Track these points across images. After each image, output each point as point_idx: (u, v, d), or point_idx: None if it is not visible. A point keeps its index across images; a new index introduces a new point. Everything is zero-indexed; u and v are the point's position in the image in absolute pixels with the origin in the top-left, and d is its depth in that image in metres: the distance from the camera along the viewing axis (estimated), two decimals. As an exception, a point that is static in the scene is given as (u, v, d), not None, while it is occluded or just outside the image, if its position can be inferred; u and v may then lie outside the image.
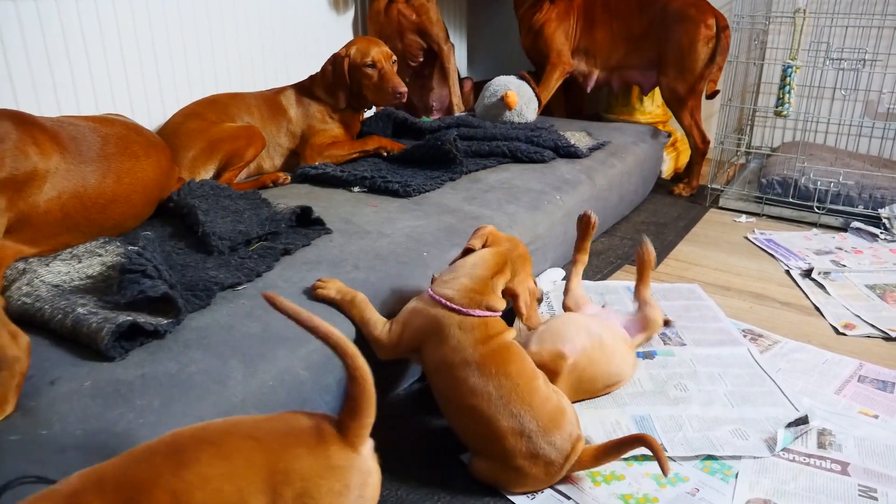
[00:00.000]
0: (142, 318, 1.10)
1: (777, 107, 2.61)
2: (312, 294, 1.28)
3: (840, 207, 2.40)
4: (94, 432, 0.91)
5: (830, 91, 2.75)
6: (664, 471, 1.08)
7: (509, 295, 1.28)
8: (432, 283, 1.28)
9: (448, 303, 1.19)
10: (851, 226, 2.34)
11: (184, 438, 0.81)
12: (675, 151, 3.03)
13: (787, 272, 2.05)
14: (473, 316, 1.19)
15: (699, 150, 2.68)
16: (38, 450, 0.88)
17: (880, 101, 2.82)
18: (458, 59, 3.13)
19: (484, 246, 1.32)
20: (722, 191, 2.66)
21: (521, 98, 2.48)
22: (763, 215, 2.53)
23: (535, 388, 1.16)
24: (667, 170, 2.95)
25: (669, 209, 2.59)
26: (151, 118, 2.00)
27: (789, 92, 2.55)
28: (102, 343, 1.05)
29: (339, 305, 1.27)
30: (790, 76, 2.54)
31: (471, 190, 1.92)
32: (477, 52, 3.39)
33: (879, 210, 2.32)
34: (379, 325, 1.25)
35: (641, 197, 2.59)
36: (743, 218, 2.51)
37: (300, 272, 1.36)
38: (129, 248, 1.33)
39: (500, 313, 1.24)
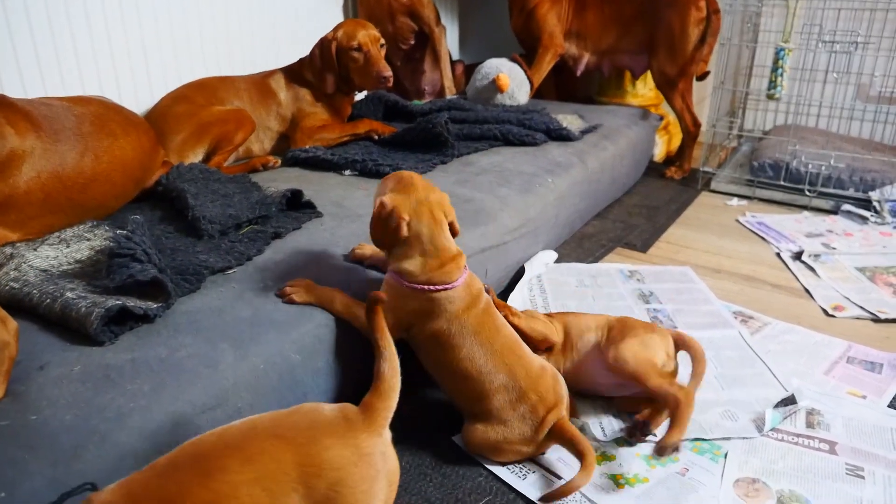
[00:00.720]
0: (131, 303, 1.09)
1: (769, 90, 2.61)
2: (284, 301, 1.21)
3: (831, 190, 2.41)
4: (84, 417, 0.91)
5: (823, 74, 2.75)
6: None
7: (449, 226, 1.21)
8: (389, 259, 1.21)
9: (429, 287, 1.17)
10: (842, 209, 2.35)
11: (205, 447, 0.80)
12: (668, 135, 3.02)
13: (778, 255, 2.06)
14: (456, 286, 1.18)
15: (690, 133, 2.67)
16: (28, 435, 0.88)
17: (872, 84, 2.82)
18: (450, 41, 3.11)
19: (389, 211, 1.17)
20: (714, 174, 2.66)
21: (512, 81, 2.47)
22: (754, 198, 2.53)
23: (521, 343, 1.23)
24: (659, 153, 2.95)
25: (661, 192, 2.59)
26: (139, 102, 1.98)
27: (782, 75, 2.55)
28: (92, 327, 1.04)
29: (320, 306, 1.22)
30: (783, 59, 2.53)
31: (462, 173, 1.91)
32: (469, 35, 3.36)
33: (870, 193, 2.33)
34: None
35: (633, 180, 2.59)
36: (734, 201, 2.51)
37: (291, 255, 1.36)
38: (118, 231, 1.32)
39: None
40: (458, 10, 3.26)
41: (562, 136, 2.23)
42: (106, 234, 1.39)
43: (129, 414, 0.93)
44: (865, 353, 1.54)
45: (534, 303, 1.73)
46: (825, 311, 1.74)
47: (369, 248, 1.39)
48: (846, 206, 2.35)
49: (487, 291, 1.28)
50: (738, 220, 2.33)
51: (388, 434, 0.88)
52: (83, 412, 0.92)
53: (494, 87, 2.46)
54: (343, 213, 1.59)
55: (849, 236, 2.19)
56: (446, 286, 1.17)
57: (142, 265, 1.14)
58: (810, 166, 2.40)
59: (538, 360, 1.23)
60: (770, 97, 2.62)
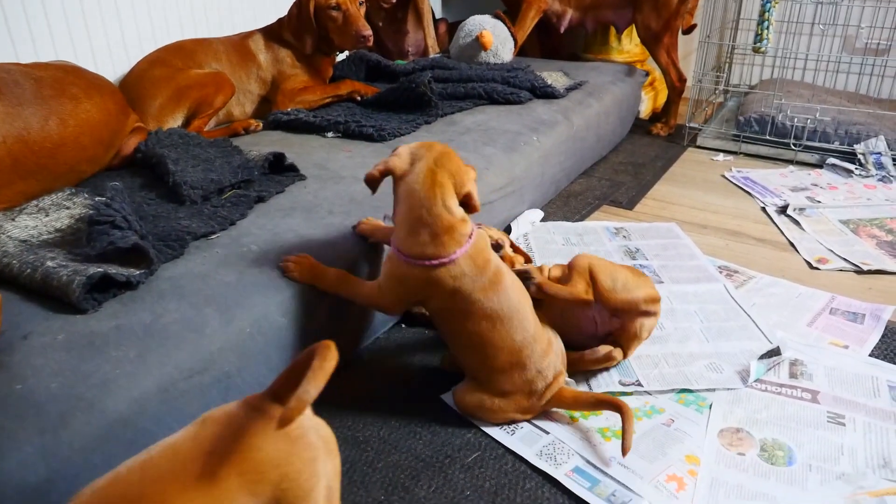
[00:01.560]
0: (113, 270, 1.08)
1: (755, 43, 2.58)
2: (284, 275, 1.18)
3: (816, 144, 2.41)
4: (70, 385, 0.91)
5: (809, 27, 2.73)
6: (625, 449, 1.08)
7: (463, 200, 1.14)
8: (394, 238, 1.16)
9: (433, 262, 1.10)
10: (827, 162, 2.36)
11: (139, 487, 0.69)
12: (653, 91, 3.00)
13: (763, 209, 2.07)
14: (454, 259, 1.12)
15: (676, 88, 2.65)
16: (14, 404, 0.88)
17: (858, 36, 2.80)
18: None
19: (401, 175, 1.13)
20: (700, 130, 2.65)
21: (496, 38, 2.43)
22: (740, 153, 2.53)
23: (530, 316, 1.18)
24: (645, 109, 2.93)
25: (647, 149, 2.58)
26: (115, 67, 1.94)
27: (768, 28, 2.52)
28: (74, 296, 1.03)
29: (320, 287, 1.20)
30: (769, 11, 2.50)
31: (446, 133, 1.89)
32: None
33: (855, 146, 2.33)
34: (374, 292, 1.19)
35: (619, 137, 2.58)
36: (720, 156, 2.51)
37: (274, 219, 1.35)
38: (97, 199, 1.30)
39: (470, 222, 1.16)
40: (439, -33, 3.19)
41: (547, 93, 2.21)
42: (85, 201, 1.37)
43: (115, 380, 0.92)
44: (848, 304, 1.56)
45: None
46: (809, 264, 1.75)
47: (373, 223, 1.36)
48: (831, 160, 2.35)
49: (513, 257, 1.26)
50: (723, 176, 2.32)
51: (309, 409, 0.79)
52: (69, 380, 0.91)
53: (478, 44, 2.42)
54: (326, 176, 1.57)
55: (833, 189, 2.20)
56: (441, 260, 1.11)
57: (122, 232, 1.13)
58: (796, 120, 2.39)
59: (546, 335, 1.20)
60: (756, 51, 2.60)
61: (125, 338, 0.99)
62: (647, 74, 2.79)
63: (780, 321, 1.50)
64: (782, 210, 2.03)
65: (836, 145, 2.38)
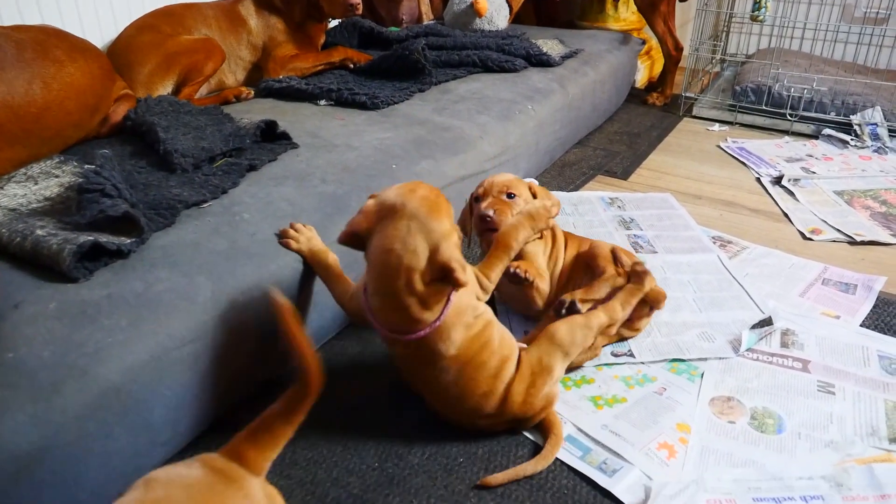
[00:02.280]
0: (104, 238, 1.07)
1: (753, 11, 2.55)
2: (280, 241, 1.18)
3: (812, 115, 2.39)
4: (62, 353, 0.90)
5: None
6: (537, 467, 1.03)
7: (439, 273, 0.95)
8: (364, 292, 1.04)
9: (405, 336, 0.99)
10: (823, 133, 2.35)
11: None
12: (650, 60, 2.97)
13: (758, 179, 2.07)
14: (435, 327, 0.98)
15: (672, 57, 2.63)
16: (6, 373, 0.87)
17: (857, 5, 2.77)
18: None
19: (366, 231, 0.99)
20: (696, 99, 2.63)
21: (491, 5, 2.39)
22: (736, 123, 2.52)
23: (510, 366, 1.08)
24: (641, 79, 2.90)
25: (643, 119, 2.56)
26: (103, 33, 1.90)
27: (765, -4, 2.49)
28: (65, 264, 1.02)
29: (308, 261, 1.18)
30: (766, -23, 2.47)
31: (440, 101, 1.87)
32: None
33: (851, 117, 2.32)
34: (346, 296, 1.15)
35: (615, 106, 2.56)
36: (716, 126, 2.50)
37: (266, 188, 1.33)
38: (87, 167, 1.29)
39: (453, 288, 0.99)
40: (434, -69, 3.12)
41: (542, 61, 2.18)
42: (74, 169, 1.35)
43: (107, 349, 0.92)
44: (840, 274, 1.57)
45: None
46: (803, 235, 1.76)
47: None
48: (827, 131, 2.34)
49: (525, 278, 1.19)
50: (719, 146, 2.32)
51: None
52: (61, 348, 0.91)
53: (473, 11, 2.38)
54: (319, 144, 1.56)
55: (828, 160, 2.20)
56: (415, 335, 0.98)
57: (112, 200, 1.11)
58: (792, 90, 2.38)
59: (522, 386, 1.07)
60: (754, 19, 2.57)
61: (117, 306, 0.98)
62: (644, 43, 2.76)
63: (773, 291, 1.51)
64: (777, 181, 2.03)
65: (832, 116, 2.37)
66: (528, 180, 1.36)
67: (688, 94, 2.62)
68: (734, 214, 1.86)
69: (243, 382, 1.11)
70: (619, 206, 1.90)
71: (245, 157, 1.46)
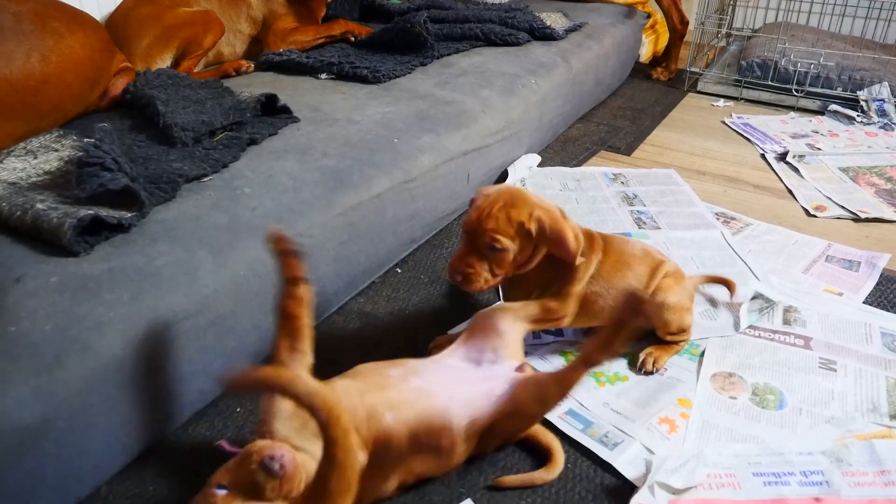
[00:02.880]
0: (104, 212, 1.06)
1: (760, -16, 2.51)
2: None
3: (818, 90, 2.37)
4: (64, 327, 0.90)
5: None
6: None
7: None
8: None
9: None
10: (829, 109, 2.32)
11: None
12: (654, 34, 2.93)
13: (763, 156, 2.05)
14: None
15: (677, 31, 2.59)
16: (8, 347, 0.87)
17: (866, -23, 2.73)
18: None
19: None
20: (701, 74, 2.60)
21: (495, -24, 2.36)
22: (741, 99, 2.49)
23: None
24: (645, 53, 2.86)
25: (647, 94, 2.54)
26: (101, 4, 1.87)
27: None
28: (65, 238, 1.01)
29: None
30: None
31: (442, 75, 1.85)
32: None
33: (858, 92, 2.30)
34: None
35: (619, 81, 2.53)
36: (721, 102, 2.47)
37: (267, 161, 1.32)
38: (86, 140, 1.27)
39: None
40: None
41: (545, 35, 2.15)
42: (74, 143, 1.34)
43: (109, 322, 0.92)
44: (844, 251, 1.56)
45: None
46: (807, 212, 1.75)
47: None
48: (833, 107, 2.32)
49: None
50: (723, 122, 2.29)
51: None
52: (63, 322, 0.91)
53: (476, -17, 2.35)
54: (320, 118, 1.54)
55: (834, 137, 2.18)
56: None
57: (112, 174, 1.10)
58: (799, 65, 2.35)
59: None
60: (760, -9, 2.53)
61: (118, 280, 0.98)
62: (649, 16, 2.72)
63: (776, 268, 1.50)
64: (781, 157, 2.01)
65: (838, 91, 2.34)
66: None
67: (692, 69, 2.59)
68: (738, 191, 1.85)
69: (245, 357, 1.11)
70: (622, 182, 1.89)
71: (245, 131, 1.44)
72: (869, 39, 2.74)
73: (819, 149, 2.08)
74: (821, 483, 0.97)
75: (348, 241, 1.29)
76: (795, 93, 2.38)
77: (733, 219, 1.70)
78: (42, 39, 1.38)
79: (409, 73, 1.85)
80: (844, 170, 1.95)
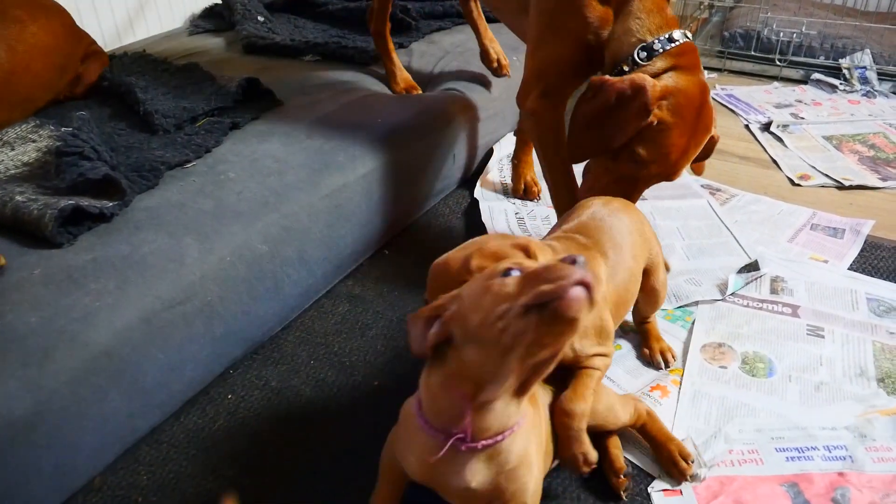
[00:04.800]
0: (85, 202, 1.05)
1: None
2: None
3: (801, 59, 2.37)
4: (50, 318, 0.89)
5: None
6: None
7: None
8: None
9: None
10: (812, 78, 2.33)
11: None
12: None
13: (747, 126, 2.05)
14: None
15: (661, 4, 2.58)
16: (-6, 339, 0.86)
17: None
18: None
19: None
20: (684, 47, 2.59)
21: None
22: (725, 70, 2.49)
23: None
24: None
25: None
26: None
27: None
28: (47, 230, 1.00)
29: None
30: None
31: (425, 55, 1.83)
32: None
33: (840, 60, 2.30)
34: None
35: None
36: (704, 74, 2.46)
37: (251, 145, 1.31)
38: (64, 129, 1.26)
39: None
40: None
41: (528, 11, 2.13)
42: (51, 133, 1.32)
43: (95, 313, 0.91)
44: (829, 219, 1.57)
45: (504, 184, 1.71)
46: (791, 181, 1.75)
47: None
48: (816, 75, 2.32)
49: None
50: (707, 94, 2.29)
51: None
52: (48, 313, 0.90)
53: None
54: (304, 100, 1.53)
55: (818, 105, 2.18)
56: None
57: (91, 163, 1.09)
58: (782, 35, 2.34)
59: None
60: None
61: (103, 270, 0.97)
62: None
63: (762, 237, 1.51)
64: (766, 127, 2.02)
65: (821, 60, 2.34)
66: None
67: (676, 42, 2.58)
68: (723, 162, 1.85)
69: (234, 343, 1.11)
70: (608, 157, 1.88)
71: (228, 116, 1.43)
72: (851, 7, 2.73)
73: (803, 118, 2.08)
74: (844, 458, 0.97)
75: (335, 223, 1.28)
76: (778, 62, 2.38)
77: (719, 190, 1.71)
78: (5, 28, 1.35)
79: (397, 51, 1.83)
80: (828, 138, 1.96)
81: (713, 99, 2.23)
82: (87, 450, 0.91)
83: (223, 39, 2.02)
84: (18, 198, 1.07)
